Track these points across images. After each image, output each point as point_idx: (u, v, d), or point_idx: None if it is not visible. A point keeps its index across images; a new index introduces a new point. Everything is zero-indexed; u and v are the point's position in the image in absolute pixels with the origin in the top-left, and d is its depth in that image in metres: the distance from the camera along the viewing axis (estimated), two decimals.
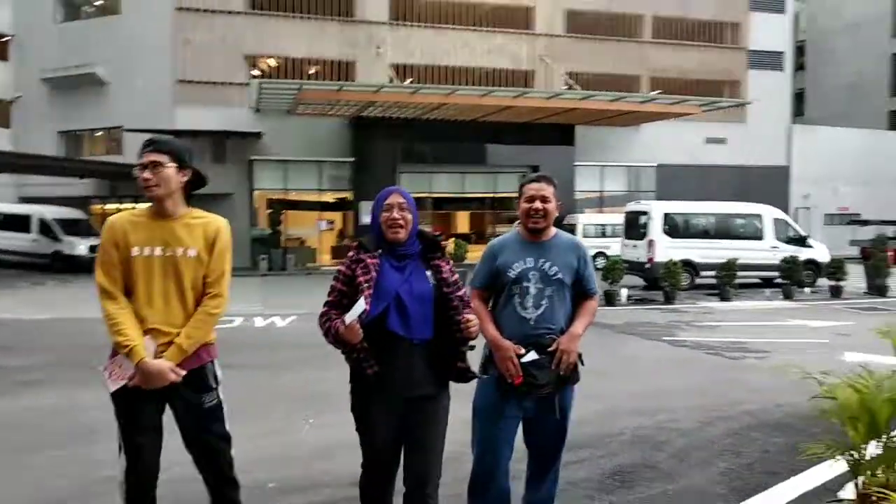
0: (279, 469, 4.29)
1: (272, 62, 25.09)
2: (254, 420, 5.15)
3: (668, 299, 14.27)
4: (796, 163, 30.13)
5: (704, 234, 17.41)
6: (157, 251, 2.70)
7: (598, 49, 27.56)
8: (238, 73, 24.03)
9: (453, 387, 2.82)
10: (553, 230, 3.16)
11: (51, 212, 22.55)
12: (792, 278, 15.55)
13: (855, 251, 24.86)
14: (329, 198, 26.09)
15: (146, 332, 2.66)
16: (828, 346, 8.84)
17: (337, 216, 27.26)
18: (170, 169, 2.72)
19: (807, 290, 16.10)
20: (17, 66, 26.98)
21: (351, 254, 2.78)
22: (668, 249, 16.18)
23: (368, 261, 2.70)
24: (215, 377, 2.83)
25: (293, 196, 25.30)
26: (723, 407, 5.80)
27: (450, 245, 19.99)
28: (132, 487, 2.70)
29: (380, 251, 2.74)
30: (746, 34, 29.38)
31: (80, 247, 21.13)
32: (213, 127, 22.91)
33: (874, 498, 2.94)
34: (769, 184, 28.33)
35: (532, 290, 3.03)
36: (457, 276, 2.82)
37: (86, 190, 25.40)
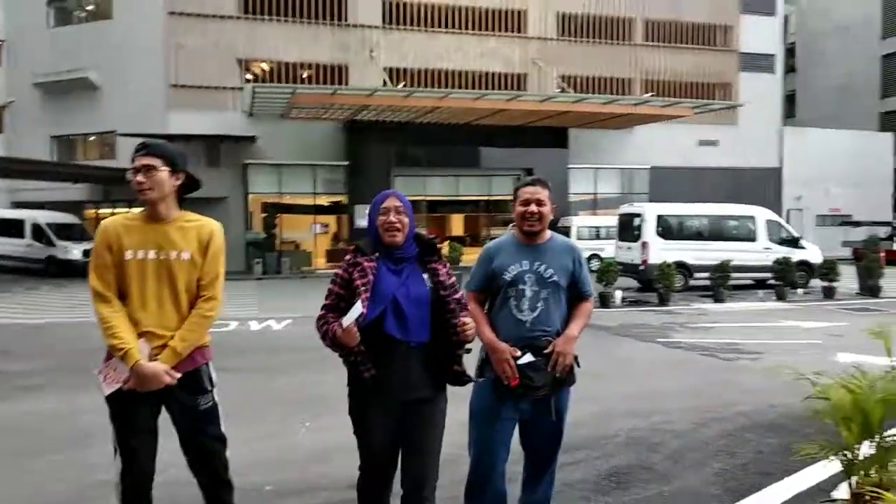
0: (276, 472, 4.28)
1: (265, 66, 25.05)
2: (250, 423, 5.15)
3: (663, 301, 14.31)
4: (788, 164, 30.28)
5: (698, 235, 17.48)
6: (151, 254, 2.71)
7: (590, 52, 27.65)
8: (231, 77, 24.00)
9: (450, 389, 2.83)
10: (548, 233, 3.18)
11: (44, 216, 22.49)
12: (785, 279, 15.64)
13: (847, 252, 24.91)
14: (323, 201, 26.06)
15: (140, 335, 2.67)
16: (821, 347, 8.88)
17: (331, 220, 27.27)
18: (163, 172, 2.73)
19: (800, 291, 16.17)
20: (10, 70, 26.85)
21: (348, 257, 2.79)
22: (661, 251, 16.24)
23: (365, 264, 2.71)
24: (210, 379, 2.84)
25: (287, 200, 25.31)
26: (717, 408, 5.82)
27: (445, 248, 20.00)
28: (127, 490, 2.71)
29: (377, 255, 2.75)
30: (738, 37, 29.55)
31: (75, 251, 21.12)
32: (206, 131, 22.86)
33: (867, 498, 2.96)
34: (761, 185, 28.50)
35: (528, 293, 3.04)
36: (454, 279, 2.82)
37: (79, 194, 25.32)
